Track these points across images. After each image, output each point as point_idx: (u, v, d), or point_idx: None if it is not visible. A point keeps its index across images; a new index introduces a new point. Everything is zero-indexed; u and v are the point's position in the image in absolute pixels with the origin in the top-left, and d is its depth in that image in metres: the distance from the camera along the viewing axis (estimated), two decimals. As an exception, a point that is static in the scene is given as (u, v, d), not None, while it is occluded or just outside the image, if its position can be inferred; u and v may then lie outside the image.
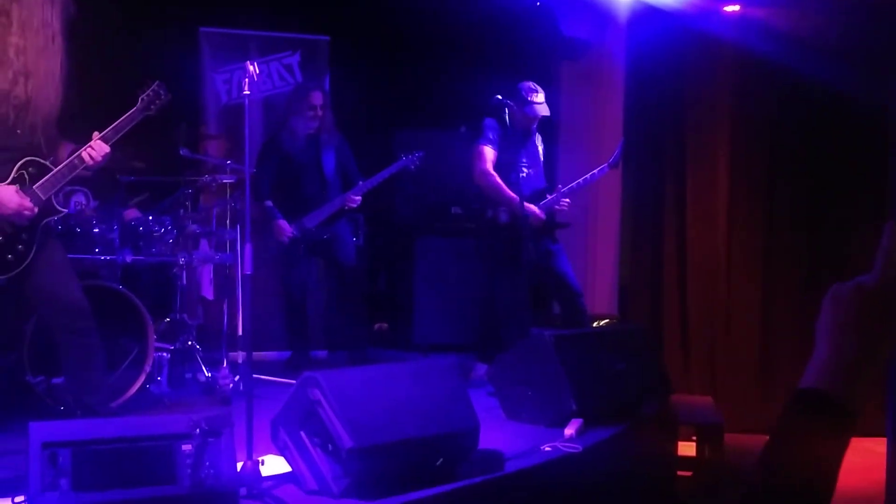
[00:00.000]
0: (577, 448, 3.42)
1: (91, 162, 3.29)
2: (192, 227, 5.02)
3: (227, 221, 5.32)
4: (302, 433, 2.87)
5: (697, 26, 5.86)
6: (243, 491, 2.71)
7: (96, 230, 4.58)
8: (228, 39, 6.34)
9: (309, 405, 2.82)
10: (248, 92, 3.05)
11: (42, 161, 3.29)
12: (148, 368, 4.36)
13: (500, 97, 4.73)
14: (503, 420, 3.96)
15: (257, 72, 3.02)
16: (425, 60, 6.63)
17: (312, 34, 6.45)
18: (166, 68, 4.44)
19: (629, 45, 6.28)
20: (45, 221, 3.30)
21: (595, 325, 5.46)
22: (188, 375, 4.94)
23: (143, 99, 3.42)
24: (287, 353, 5.66)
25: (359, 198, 5.34)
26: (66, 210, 3.41)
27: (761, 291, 5.89)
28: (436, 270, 6.37)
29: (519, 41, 6.33)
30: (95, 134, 3.35)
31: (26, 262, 3.25)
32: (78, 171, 3.31)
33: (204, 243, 5.44)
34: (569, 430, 3.56)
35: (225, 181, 5.14)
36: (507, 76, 5.20)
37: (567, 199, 5.02)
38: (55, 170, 3.29)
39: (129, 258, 4.65)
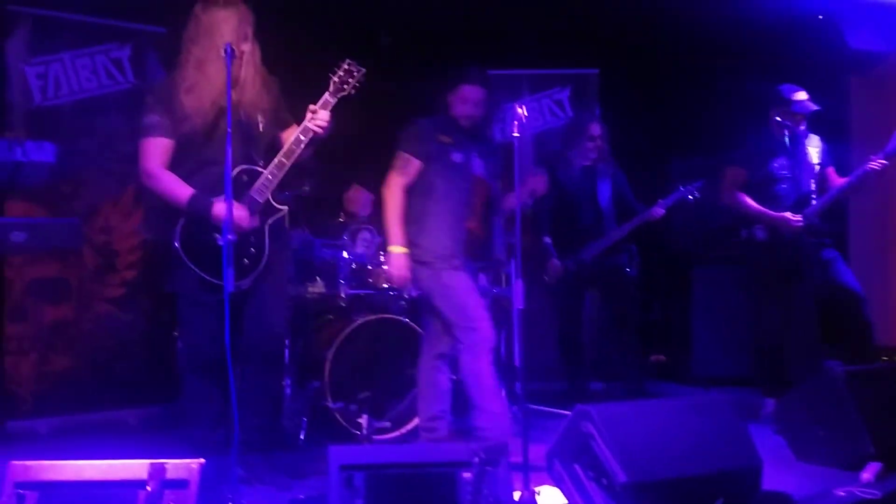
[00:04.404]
0: (875, 494, 3.15)
1: (319, 130, 3.35)
2: (472, 262, 5.23)
3: (505, 256, 5.49)
4: (576, 466, 2.91)
5: None
6: (521, 520, 2.79)
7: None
8: (501, 80, 6.60)
9: (582, 438, 2.85)
10: (517, 134, 3.16)
11: (254, 167, 3.43)
12: (432, 397, 4.61)
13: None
14: (792, 461, 3.74)
15: (526, 114, 3.12)
16: (699, 84, 6.45)
17: (581, 68, 6.52)
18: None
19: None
20: (270, 221, 3.45)
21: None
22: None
23: (334, 82, 3.38)
24: (564, 385, 5.72)
25: (663, 210, 5.30)
26: (286, 207, 3.49)
27: None
28: (714, 300, 6.15)
29: (801, 57, 5.97)
30: (311, 106, 3.39)
31: (263, 263, 3.42)
32: (288, 166, 3.38)
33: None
34: (866, 475, 3.31)
35: (503, 217, 5.33)
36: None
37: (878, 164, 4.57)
38: (265, 171, 3.40)
39: (410, 293, 4.95)
